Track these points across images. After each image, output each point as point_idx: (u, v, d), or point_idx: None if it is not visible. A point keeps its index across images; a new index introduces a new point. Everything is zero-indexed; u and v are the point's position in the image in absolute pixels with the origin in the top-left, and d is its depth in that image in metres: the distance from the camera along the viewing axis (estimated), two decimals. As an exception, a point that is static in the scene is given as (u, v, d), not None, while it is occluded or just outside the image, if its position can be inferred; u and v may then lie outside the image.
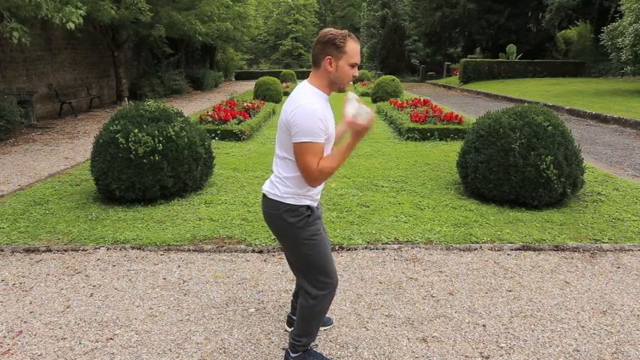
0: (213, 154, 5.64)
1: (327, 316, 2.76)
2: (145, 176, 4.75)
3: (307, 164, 1.95)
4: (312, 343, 2.50)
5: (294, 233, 2.10)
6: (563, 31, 27.91)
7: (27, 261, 3.67)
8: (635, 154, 7.48)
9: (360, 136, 2.01)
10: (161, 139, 4.82)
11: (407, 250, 3.79)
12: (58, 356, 2.48)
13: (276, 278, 3.35)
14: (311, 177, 1.98)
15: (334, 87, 2.05)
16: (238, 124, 9.22)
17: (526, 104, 5.09)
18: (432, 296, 3.07)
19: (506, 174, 4.62)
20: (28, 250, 3.85)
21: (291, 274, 3.36)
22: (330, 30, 2.00)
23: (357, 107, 1.99)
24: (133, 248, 3.86)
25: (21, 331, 2.71)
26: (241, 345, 2.57)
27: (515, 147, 4.58)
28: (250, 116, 10.34)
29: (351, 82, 2.11)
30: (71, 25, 7.79)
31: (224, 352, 2.51)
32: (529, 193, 4.59)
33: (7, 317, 2.86)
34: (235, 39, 24.63)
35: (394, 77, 15.36)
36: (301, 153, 1.95)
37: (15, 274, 3.46)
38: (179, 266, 3.54)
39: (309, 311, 2.21)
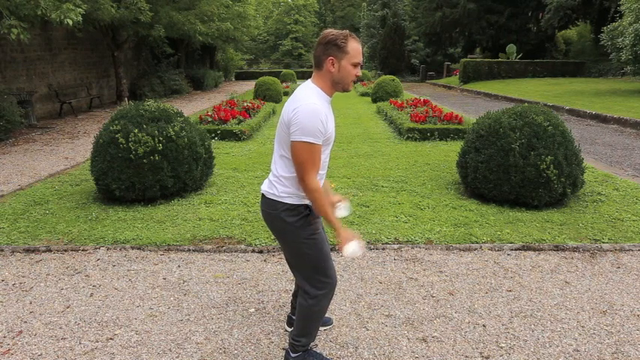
0: (213, 154, 5.64)
1: (327, 316, 2.76)
2: (145, 176, 4.75)
3: (302, 163, 1.95)
4: (312, 343, 2.50)
5: (293, 232, 2.10)
6: (563, 31, 27.92)
7: (27, 261, 3.67)
8: (635, 154, 7.48)
9: (335, 232, 2.07)
10: (161, 139, 4.82)
11: (407, 250, 3.79)
12: (58, 356, 2.48)
13: (276, 278, 3.35)
14: (303, 179, 1.98)
15: (338, 87, 2.05)
16: (238, 124, 9.22)
17: (526, 104, 5.09)
18: (432, 296, 3.07)
19: (506, 174, 4.62)
20: (28, 250, 3.85)
21: (291, 274, 3.36)
22: (331, 31, 2.00)
23: (355, 244, 2.07)
24: (133, 248, 3.86)
25: (21, 331, 2.71)
26: (241, 345, 2.57)
27: (515, 147, 4.58)
28: (250, 116, 10.34)
29: (354, 83, 2.12)
30: (69, 22, 7.78)
31: (224, 352, 2.51)
32: (529, 193, 4.59)
33: (7, 317, 2.86)
34: (235, 39, 24.63)
35: (394, 77, 15.35)
36: (298, 152, 1.95)
37: (15, 274, 3.46)
38: (179, 266, 3.54)
39: (308, 311, 2.21)
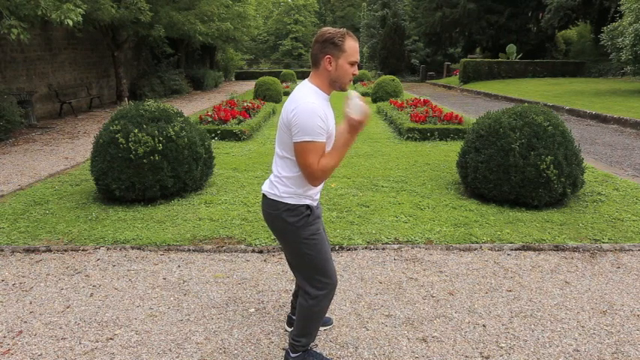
0: (213, 154, 5.64)
1: (327, 316, 2.76)
2: (145, 176, 4.75)
3: (309, 164, 1.95)
4: (312, 343, 2.50)
5: (294, 233, 2.10)
6: (563, 31, 27.93)
7: (27, 261, 3.67)
8: (635, 154, 7.48)
9: (356, 131, 2.00)
10: (161, 139, 4.82)
11: (407, 250, 3.79)
12: (58, 356, 2.48)
13: (276, 278, 3.35)
14: (313, 176, 1.98)
15: (335, 86, 2.05)
16: (238, 124, 9.22)
17: (526, 104, 5.09)
18: (432, 296, 3.07)
19: (506, 174, 4.62)
20: (28, 250, 3.85)
21: (291, 274, 3.36)
22: (328, 29, 2.00)
23: (352, 103, 1.98)
24: (133, 248, 3.86)
25: (21, 331, 2.71)
26: (241, 345, 2.57)
27: (515, 147, 4.58)
28: (250, 116, 10.34)
29: (352, 82, 2.11)
30: (69, 22, 7.79)
31: (224, 352, 2.51)
32: (529, 193, 4.59)
33: (7, 317, 2.86)
34: (235, 39, 24.63)
35: (394, 77, 15.35)
36: (302, 152, 1.95)
37: (15, 274, 3.46)
38: (179, 266, 3.54)
39: (308, 311, 2.21)
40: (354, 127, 1.99)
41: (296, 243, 2.12)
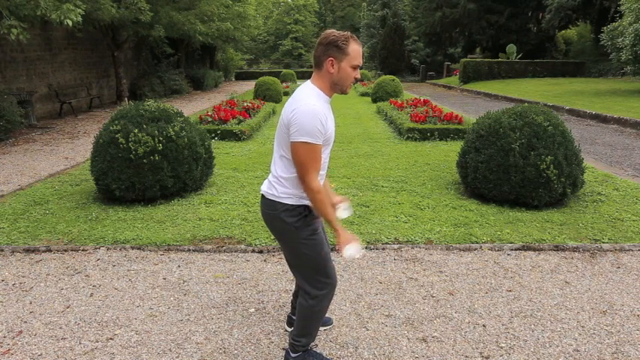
0: (213, 154, 5.64)
1: (327, 316, 2.76)
2: (145, 176, 4.75)
3: (302, 164, 1.96)
4: (312, 343, 2.50)
5: (293, 233, 2.10)
6: (563, 31, 27.93)
7: (27, 261, 3.67)
8: (635, 154, 7.48)
9: (335, 234, 2.12)
10: (161, 139, 4.82)
11: (407, 250, 3.79)
12: (58, 356, 2.48)
13: (276, 278, 3.35)
14: (304, 181, 1.99)
15: (336, 89, 2.05)
16: (238, 124, 9.22)
17: (526, 104, 5.09)
18: (432, 296, 3.07)
19: (506, 174, 4.62)
20: (28, 250, 3.85)
21: (291, 274, 3.36)
22: (332, 31, 2.00)
23: (355, 247, 2.11)
24: (133, 248, 3.86)
25: (21, 331, 2.71)
26: (241, 345, 2.57)
27: (515, 147, 4.58)
28: (250, 116, 10.34)
29: (353, 84, 2.13)
30: (69, 22, 7.79)
31: (224, 352, 2.51)
32: (529, 193, 4.59)
33: (7, 317, 2.86)
34: (235, 39, 24.63)
35: (394, 77, 15.35)
36: (298, 152, 1.95)
37: (15, 274, 3.46)
38: (179, 266, 3.54)
39: (308, 311, 2.21)
40: (337, 236, 2.12)
41: (295, 243, 2.12)
